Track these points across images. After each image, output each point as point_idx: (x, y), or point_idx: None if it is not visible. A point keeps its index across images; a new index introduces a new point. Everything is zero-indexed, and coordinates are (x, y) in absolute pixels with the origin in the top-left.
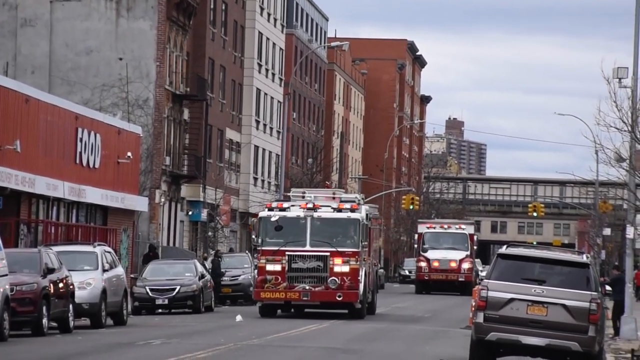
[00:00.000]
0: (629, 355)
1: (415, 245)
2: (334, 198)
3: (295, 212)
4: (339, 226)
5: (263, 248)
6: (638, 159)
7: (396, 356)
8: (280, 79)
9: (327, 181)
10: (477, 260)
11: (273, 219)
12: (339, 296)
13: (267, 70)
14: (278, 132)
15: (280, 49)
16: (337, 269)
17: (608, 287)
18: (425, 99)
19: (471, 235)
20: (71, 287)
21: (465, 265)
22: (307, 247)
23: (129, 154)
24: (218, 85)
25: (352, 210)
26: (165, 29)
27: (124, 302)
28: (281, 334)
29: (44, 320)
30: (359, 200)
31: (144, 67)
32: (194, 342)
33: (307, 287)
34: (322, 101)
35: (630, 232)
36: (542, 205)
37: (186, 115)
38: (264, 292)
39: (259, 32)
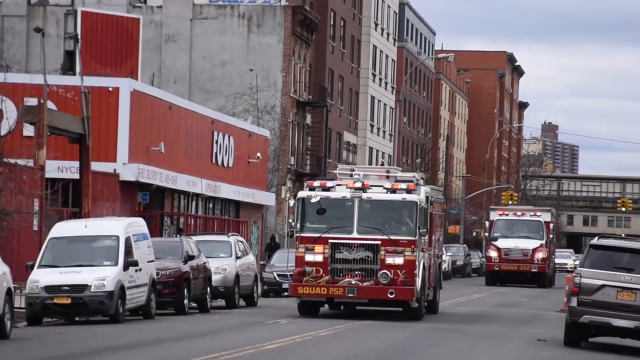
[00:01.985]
0: None
1: (486, 234)
2: (387, 177)
3: (340, 192)
4: (393, 210)
5: (302, 235)
6: None
7: (498, 335)
8: (392, 87)
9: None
10: (570, 251)
11: (313, 200)
12: (391, 293)
13: (380, 79)
14: (390, 135)
15: (392, 60)
16: (389, 260)
17: None
18: (523, 105)
19: (547, 223)
20: (209, 272)
21: (540, 255)
22: (354, 234)
23: (259, 154)
24: (337, 93)
25: (409, 191)
26: (291, 43)
27: (254, 285)
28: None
29: (185, 301)
30: (417, 179)
31: (271, 77)
32: (316, 323)
33: (354, 282)
34: (429, 107)
35: None
36: (630, 200)
37: (308, 120)
38: (302, 286)
39: (374, 46)
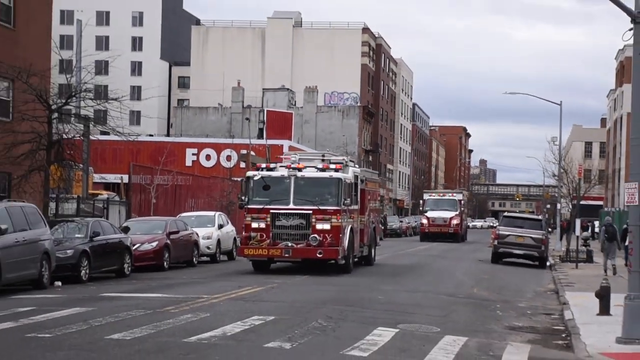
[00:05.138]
0: (558, 258)
1: (421, 208)
2: (323, 160)
3: (280, 171)
4: (322, 185)
5: (249, 206)
6: (561, 176)
7: (460, 257)
8: (410, 143)
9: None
10: (492, 219)
11: (256, 177)
12: (320, 253)
13: (404, 139)
14: (409, 165)
15: (409, 130)
16: (319, 226)
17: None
18: (471, 151)
19: (460, 200)
20: None
21: (454, 222)
22: (291, 206)
23: None
24: (384, 146)
25: (336, 170)
26: (362, 122)
27: None
28: (385, 255)
29: None
30: (346, 161)
31: (353, 139)
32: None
33: (289, 244)
34: (427, 152)
35: (559, 206)
36: (521, 194)
37: (370, 158)
38: (248, 249)
39: (401, 124)
